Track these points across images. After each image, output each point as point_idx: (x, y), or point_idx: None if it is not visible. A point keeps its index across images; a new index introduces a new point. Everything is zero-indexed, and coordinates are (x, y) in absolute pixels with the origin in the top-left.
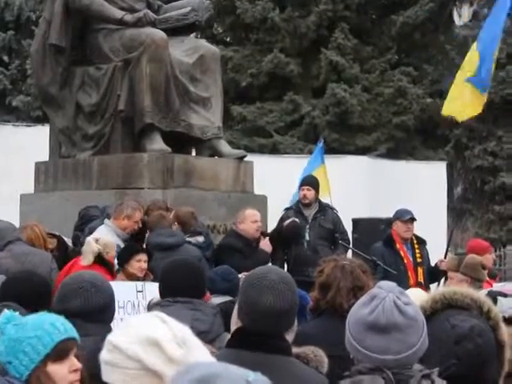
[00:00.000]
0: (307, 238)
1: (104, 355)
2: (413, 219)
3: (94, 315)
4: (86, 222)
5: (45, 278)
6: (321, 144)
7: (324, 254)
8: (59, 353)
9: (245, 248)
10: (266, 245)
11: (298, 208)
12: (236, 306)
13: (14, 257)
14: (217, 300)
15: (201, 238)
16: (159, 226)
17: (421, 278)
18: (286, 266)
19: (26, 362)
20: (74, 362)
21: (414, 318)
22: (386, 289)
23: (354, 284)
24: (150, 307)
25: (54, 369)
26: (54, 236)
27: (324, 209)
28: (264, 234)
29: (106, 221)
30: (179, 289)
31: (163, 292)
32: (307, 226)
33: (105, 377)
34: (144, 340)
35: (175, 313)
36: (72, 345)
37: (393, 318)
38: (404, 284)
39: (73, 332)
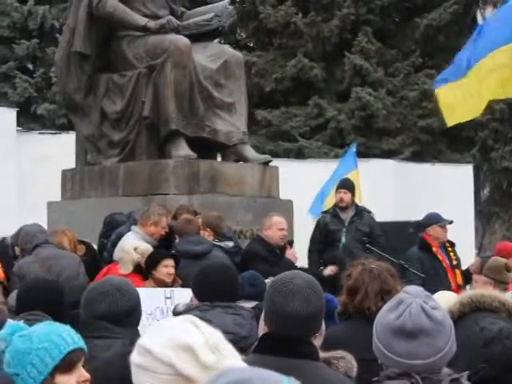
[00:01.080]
0: (343, 241)
1: (135, 358)
2: (449, 223)
3: (121, 319)
4: (111, 229)
5: (59, 285)
6: (353, 148)
7: (359, 257)
8: (67, 364)
9: (269, 255)
10: (291, 255)
11: (334, 211)
12: (263, 312)
13: (40, 261)
14: (244, 305)
15: (230, 243)
16: (186, 230)
17: (459, 280)
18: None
19: (34, 374)
20: (82, 373)
21: (442, 322)
22: (412, 293)
23: (381, 287)
24: (187, 311)
25: (62, 380)
26: (82, 243)
27: (361, 212)
28: (290, 243)
29: (134, 227)
30: (217, 293)
31: (200, 296)
32: (343, 229)
33: (135, 379)
34: (177, 345)
35: (216, 317)
36: (80, 355)
37: (420, 322)
38: (445, 287)
39: (81, 342)
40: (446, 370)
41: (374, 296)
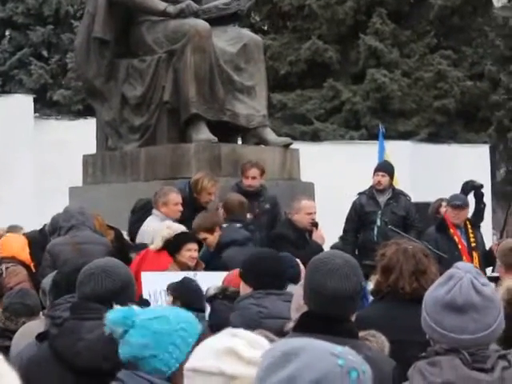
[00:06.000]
0: (378, 223)
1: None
2: (461, 206)
3: (108, 299)
4: (147, 211)
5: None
6: (381, 131)
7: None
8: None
9: (297, 239)
10: (319, 236)
11: (371, 193)
12: (295, 293)
13: (72, 244)
14: (289, 288)
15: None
16: (236, 212)
17: (476, 263)
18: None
19: (176, 354)
20: None
21: (492, 299)
22: (463, 269)
23: (416, 268)
24: (242, 299)
25: None
26: (111, 228)
27: (397, 195)
28: (316, 225)
29: (154, 211)
30: (270, 280)
31: (254, 283)
32: (379, 212)
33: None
34: (217, 351)
35: (271, 304)
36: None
37: (470, 297)
38: None
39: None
40: (493, 347)
41: (409, 276)
